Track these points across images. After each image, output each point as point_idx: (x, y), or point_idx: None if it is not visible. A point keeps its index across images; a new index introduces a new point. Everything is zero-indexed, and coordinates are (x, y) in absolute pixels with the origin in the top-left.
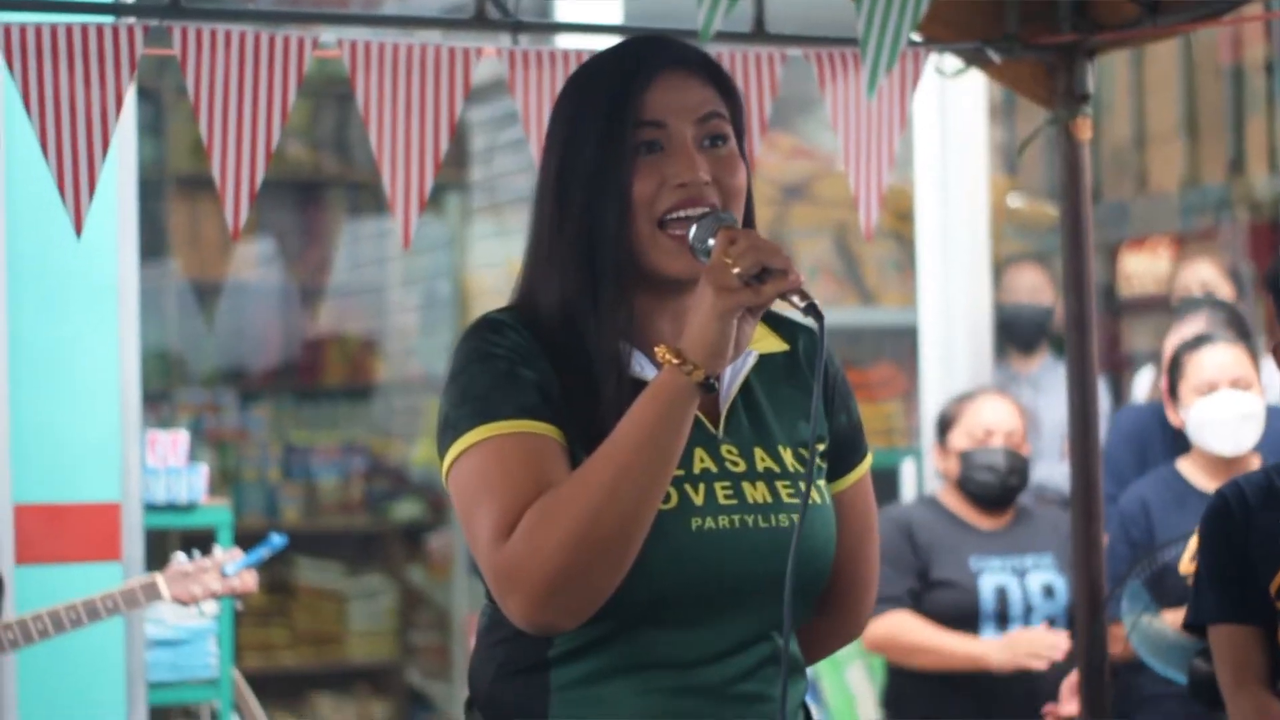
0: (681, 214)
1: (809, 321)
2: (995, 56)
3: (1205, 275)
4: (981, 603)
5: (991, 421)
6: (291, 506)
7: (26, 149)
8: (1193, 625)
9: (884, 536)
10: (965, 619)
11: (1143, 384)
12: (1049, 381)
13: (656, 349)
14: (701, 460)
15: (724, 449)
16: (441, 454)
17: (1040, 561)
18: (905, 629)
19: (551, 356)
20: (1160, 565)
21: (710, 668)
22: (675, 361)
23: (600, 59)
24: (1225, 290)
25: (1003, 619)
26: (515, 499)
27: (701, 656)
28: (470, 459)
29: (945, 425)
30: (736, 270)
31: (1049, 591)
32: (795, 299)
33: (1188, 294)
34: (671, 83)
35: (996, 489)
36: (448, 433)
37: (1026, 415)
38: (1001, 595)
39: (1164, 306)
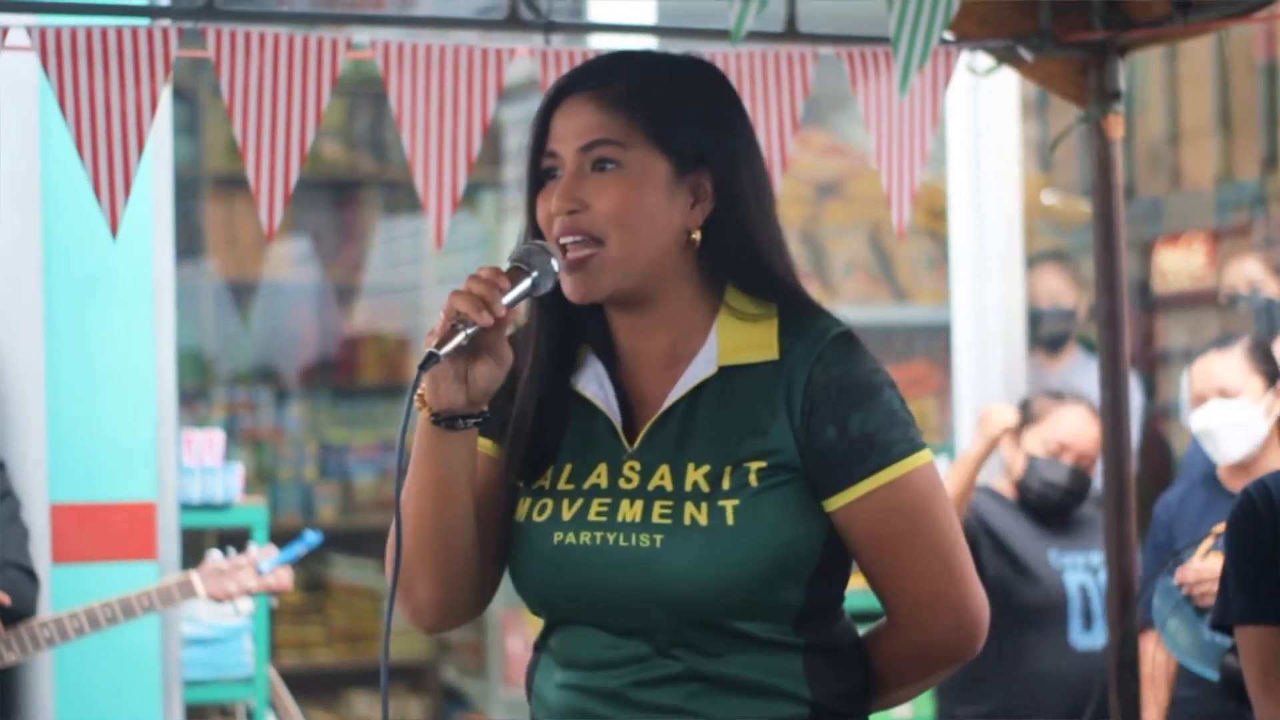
0: (562, 241)
1: (835, 326)
2: (1027, 54)
3: (1252, 272)
4: (1069, 599)
5: (1070, 437)
6: (327, 505)
7: (63, 150)
8: (1220, 625)
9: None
10: (1055, 613)
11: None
12: (1079, 379)
13: None
14: (598, 475)
15: (627, 465)
16: None
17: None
18: None
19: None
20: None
21: (608, 673)
22: (417, 401)
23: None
24: (1272, 287)
25: (1087, 617)
26: None
27: (599, 661)
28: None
29: (1027, 417)
30: (442, 316)
31: None
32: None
33: (1234, 291)
34: (568, 110)
35: (1053, 505)
36: None
37: None
38: (1084, 593)
39: (1199, 303)
